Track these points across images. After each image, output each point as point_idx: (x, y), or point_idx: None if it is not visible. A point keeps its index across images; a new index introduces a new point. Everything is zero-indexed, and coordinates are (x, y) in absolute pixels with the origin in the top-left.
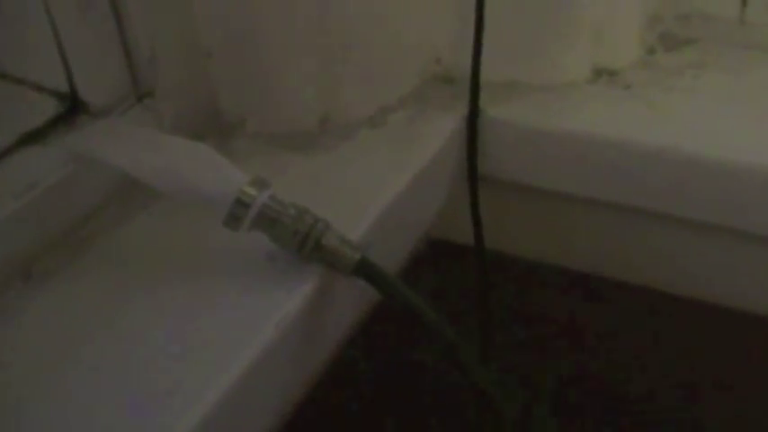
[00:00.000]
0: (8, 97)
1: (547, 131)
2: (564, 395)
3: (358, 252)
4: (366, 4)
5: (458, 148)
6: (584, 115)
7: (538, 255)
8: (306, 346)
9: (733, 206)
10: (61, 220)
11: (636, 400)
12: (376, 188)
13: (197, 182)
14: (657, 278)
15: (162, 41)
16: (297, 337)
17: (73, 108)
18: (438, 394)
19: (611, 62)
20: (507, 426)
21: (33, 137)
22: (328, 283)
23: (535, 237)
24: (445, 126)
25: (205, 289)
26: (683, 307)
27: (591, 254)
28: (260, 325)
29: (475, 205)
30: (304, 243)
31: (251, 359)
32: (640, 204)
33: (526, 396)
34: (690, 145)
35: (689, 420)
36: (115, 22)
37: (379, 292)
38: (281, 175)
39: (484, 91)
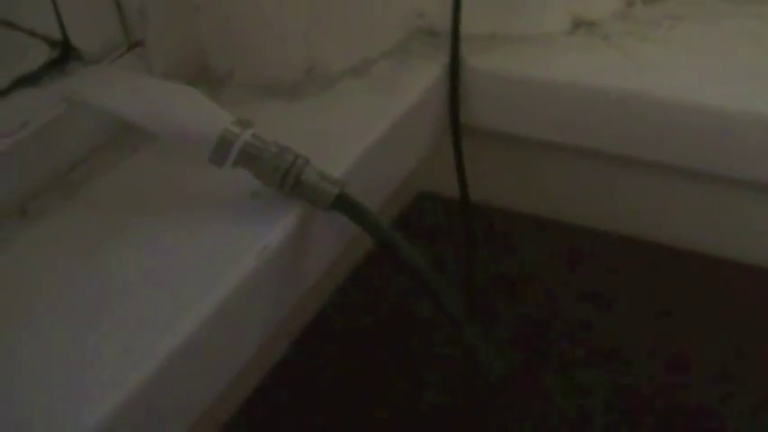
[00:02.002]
0: (2, 43)
1: (526, 80)
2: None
3: (337, 187)
4: None
5: (440, 98)
6: (562, 64)
7: (521, 204)
8: (287, 278)
9: (707, 150)
10: (54, 161)
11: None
12: (356, 133)
13: (184, 121)
14: (636, 224)
15: None
16: (278, 268)
17: (65, 54)
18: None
19: (589, 13)
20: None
21: (26, 81)
22: (309, 217)
23: (518, 186)
24: (427, 75)
25: (190, 224)
26: (665, 255)
27: (571, 201)
28: (241, 255)
29: (459, 154)
30: (285, 179)
31: (230, 289)
32: (618, 150)
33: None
34: (662, 91)
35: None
36: None
37: (357, 225)
38: (266, 122)
39: (465, 43)
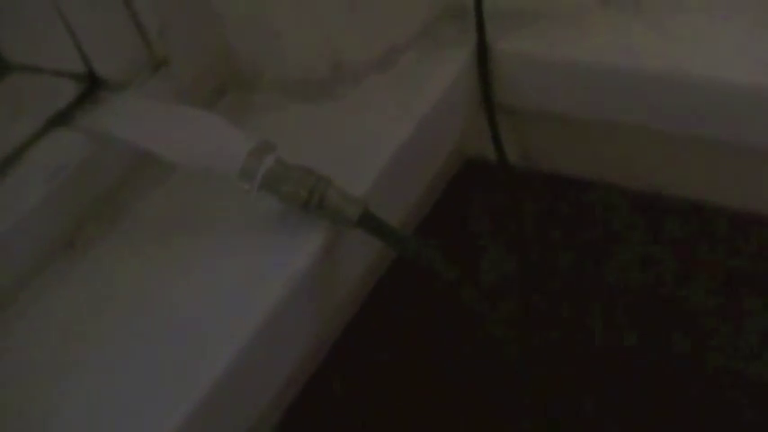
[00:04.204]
0: (30, 86)
1: (556, 62)
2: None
3: (360, 206)
4: None
5: (469, 84)
6: (592, 43)
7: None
8: (316, 297)
9: (750, 128)
10: (93, 193)
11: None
12: (384, 135)
13: (206, 154)
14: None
15: (172, 9)
16: (307, 290)
17: (92, 87)
18: None
19: None
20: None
21: (59, 119)
22: (334, 237)
23: (558, 158)
24: (453, 65)
25: (223, 249)
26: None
27: (610, 168)
28: (271, 281)
29: (497, 141)
30: (308, 202)
31: (264, 314)
32: (653, 126)
33: None
34: (696, 69)
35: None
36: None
37: (381, 240)
38: (296, 126)
39: (492, 21)
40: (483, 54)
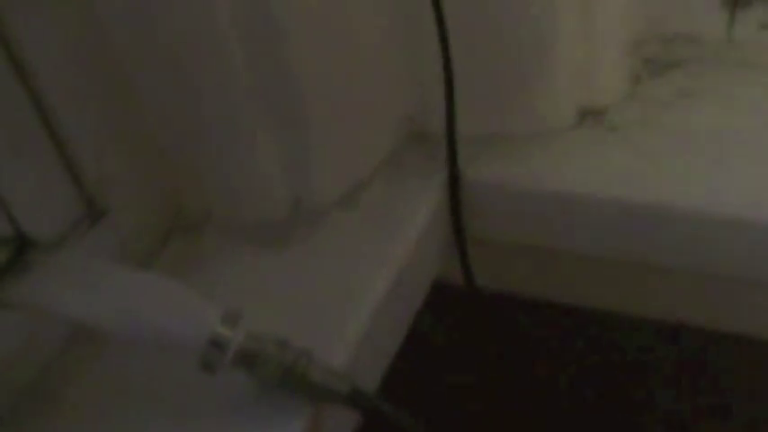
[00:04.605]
0: None
1: (530, 192)
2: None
3: (346, 383)
4: (323, 79)
5: (442, 214)
6: (568, 171)
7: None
8: None
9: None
10: (25, 377)
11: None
12: (355, 290)
13: (160, 328)
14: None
15: (111, 153)
16: None
17: (21, 250)
18: None
19: (596, 102)
20: None
21: None
22: (317, 419)
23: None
24: (424, 200)
25: None
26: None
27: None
28: None
29: (467, 271)
30: (287, 379)
31: None
32: (629, 258)
33: None
34: (674, 200)
35: None
36: (56, 150)
37: (366, 417)
38: (252, 277)
39: (462, 146)
40: (455, 188)
